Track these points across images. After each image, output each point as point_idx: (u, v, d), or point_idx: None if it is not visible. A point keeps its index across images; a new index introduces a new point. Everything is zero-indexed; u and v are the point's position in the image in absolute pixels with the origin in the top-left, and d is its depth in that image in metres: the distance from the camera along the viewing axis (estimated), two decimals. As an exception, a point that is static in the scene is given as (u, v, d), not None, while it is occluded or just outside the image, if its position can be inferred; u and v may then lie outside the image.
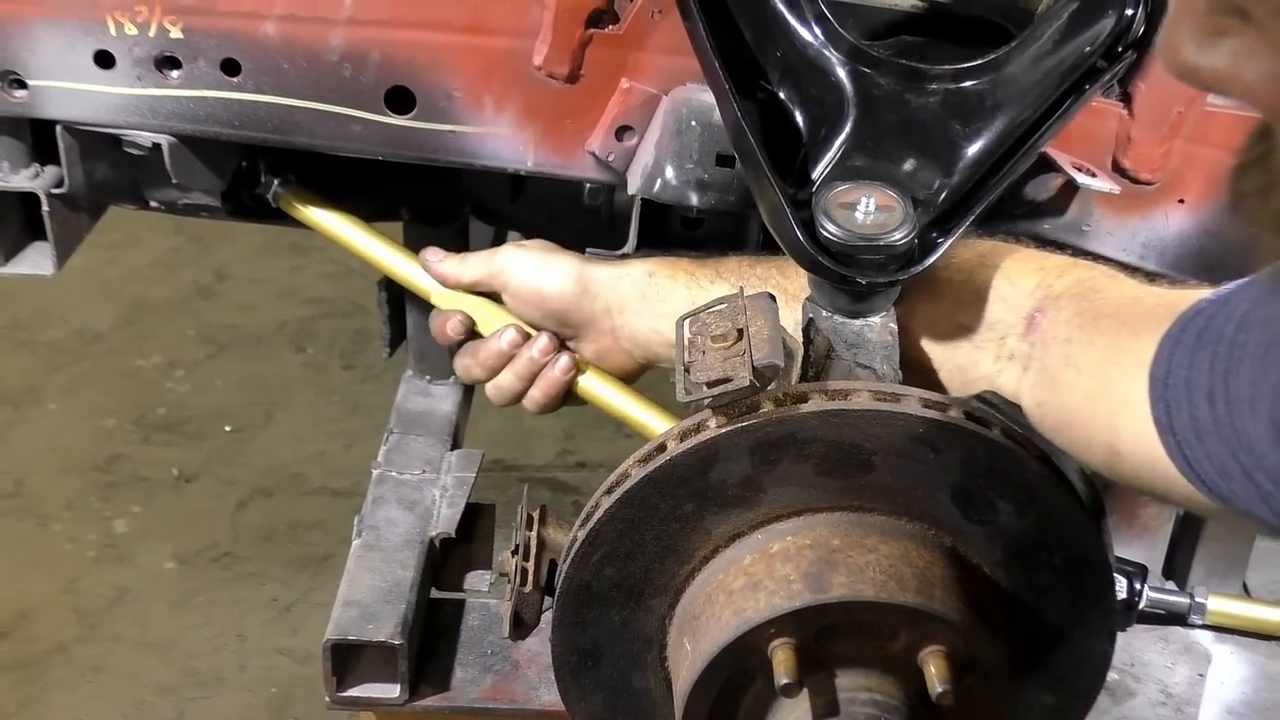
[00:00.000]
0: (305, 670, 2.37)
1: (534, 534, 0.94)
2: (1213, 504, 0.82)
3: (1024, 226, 1.17)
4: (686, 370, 0.87)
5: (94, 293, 3.40)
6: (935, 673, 0.83)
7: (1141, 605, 1.32)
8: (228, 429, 2.97)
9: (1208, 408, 0.80)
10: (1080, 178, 1.11)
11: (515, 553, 0.94)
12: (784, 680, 0.81)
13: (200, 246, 3.57)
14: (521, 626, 0.93)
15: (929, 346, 1.01)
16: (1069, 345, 0.93)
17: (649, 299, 1.12)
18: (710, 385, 0.85)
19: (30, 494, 2.77)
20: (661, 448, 0.87)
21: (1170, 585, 1.37)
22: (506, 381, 1.18)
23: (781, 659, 0.82)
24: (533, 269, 1.17)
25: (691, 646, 0.87)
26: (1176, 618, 1.33)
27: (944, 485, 0.88)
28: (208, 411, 3.02)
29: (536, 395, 1.18)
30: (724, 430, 0.85)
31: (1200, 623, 1.33)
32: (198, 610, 2.52)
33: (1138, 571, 1.32)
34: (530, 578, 0.92)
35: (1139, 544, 1.35)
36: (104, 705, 2.32)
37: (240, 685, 2.37)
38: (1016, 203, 1.17)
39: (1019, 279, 0.99)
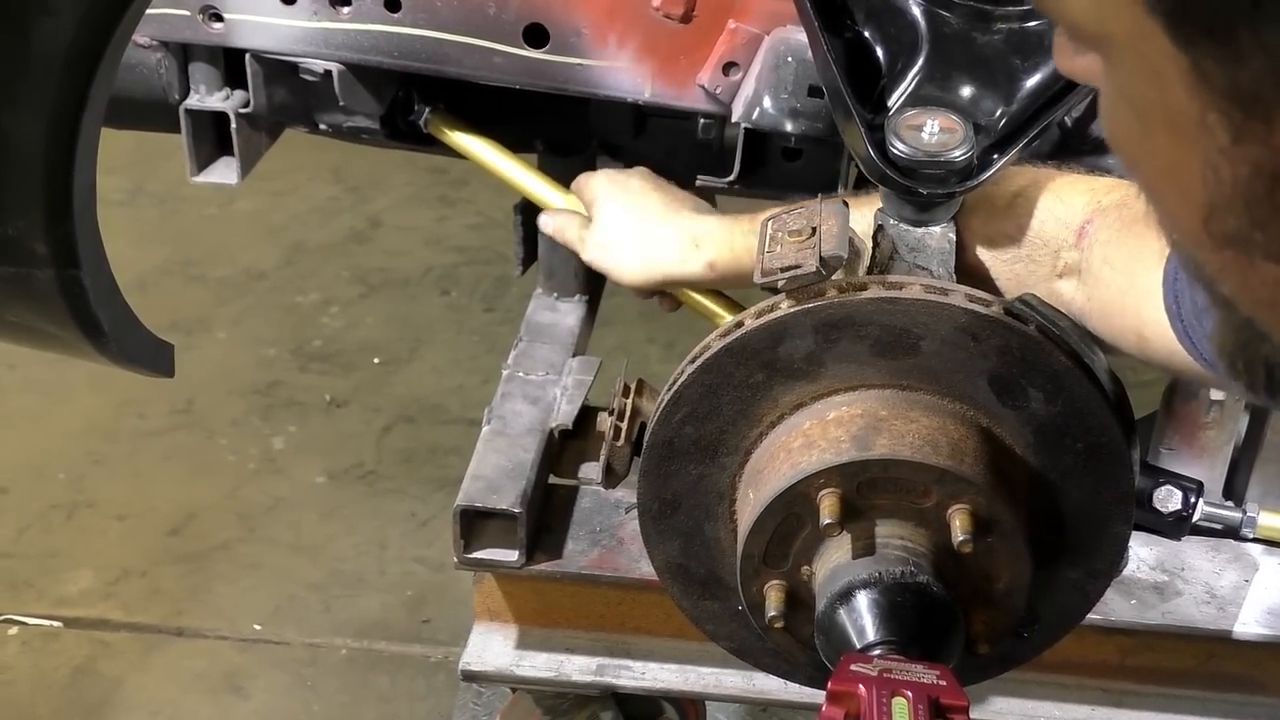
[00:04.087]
0: (438, 577, 2.57)
1: (629, 401, 1.10)
2: (1213, 375, 0.94)
3: (1090, 161, 1.28)
4: (764, 258, 1.02)
5: (259, 235, 3.66)
6: (959, 526, 0.96)
7: (1196, 518, 1.43)
8: (375, 361, 3.20)
9: None
10: (1140, 116, 1.22)
11: (612, 414, 1.10)
12: (827, 521, 0.95)
13: (356, 196, 3.82)
14: (612, 475, 1.09)
15: (991, 261, 1.13)
16: (1108, 246, 1.05)
17: (715, 283, 1.31)
18: (783, 270, 1.00)
19: (200, 412, 3.03)
20: (739, 324, 1.02)
21: (1227, 503, 1.47)
22: None
23: (827, 504, 0.96)
24: (612, 261, 1.36)
25: (754, 495, 1.02)
26: (1229, 531, 1.43)
27: (982, 371, 1.01)
28: (358, 345, 3.26)
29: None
30: (793, 310, 1.00)
31: (1251, 536, 1.42)
32: (344, 520, 2.75)
33: (1194, 487, 1.43)
34: (623, 434, 1.08)
35: (1199, 464, 1.44)
36: (261, 597, 2.57)
37: (380, 587, 2.59)
38: (1083, 140, 1.29)
39: (1070, 198, 1.11)
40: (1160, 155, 0.53)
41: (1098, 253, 1.06)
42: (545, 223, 1.44)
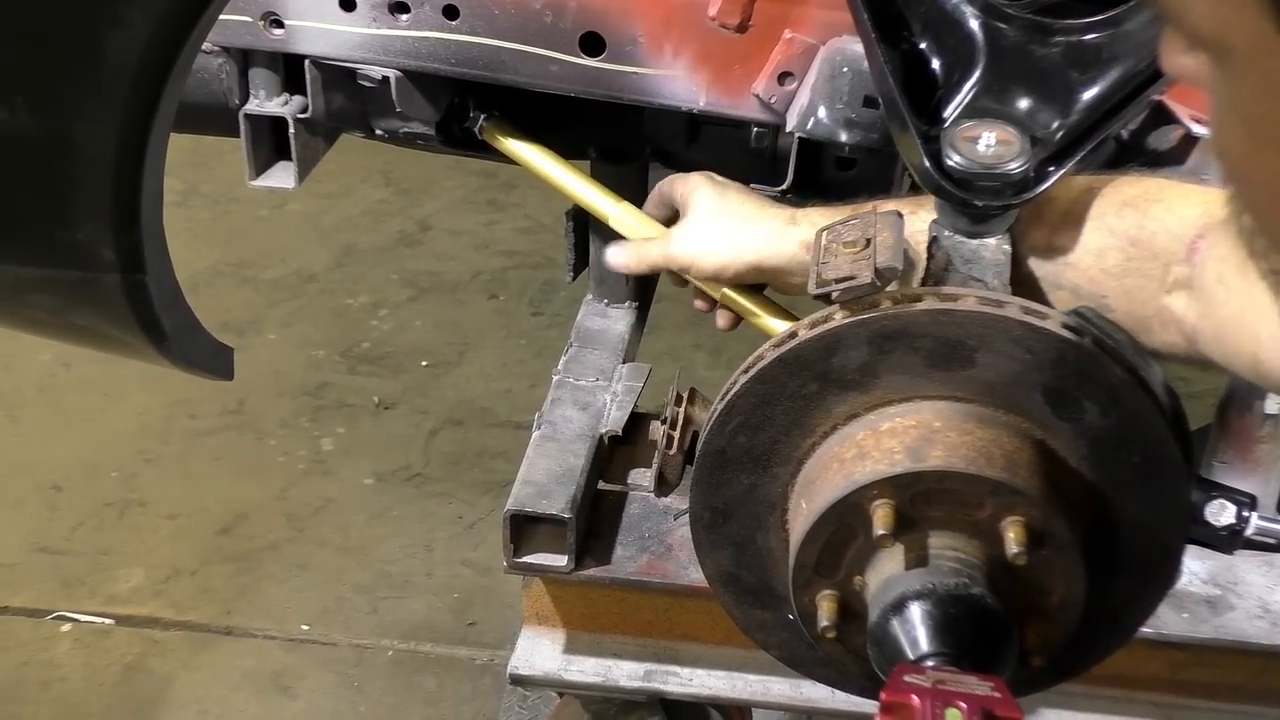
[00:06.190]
0: (485, 580, 2.59)
1: (682, 409, 1.11)
2: None
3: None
4: (819, 269, 1.02)
5: (310, 238, 3.70)
6: (1013, 538, 0.95)
7: (1248, 532, 1.41)
8: (424, 364, 3.23)
9: None
10: (1198, 129, 1.22)
11: (664, 422, 1.10)
12: (880, 531, 0.95)
13: (406, 199, 3.85)
14: (664, 484, 1.09)
15: (1100, 276, 1.10)
16: (1223, 264, 1.01)
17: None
18: (838, 281, 1.00)
19: (250, 413, 3.07)
20: (793, 335, 1.02)
21: (1280, 519, 1.45)
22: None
23: (880, 515, 0.96)
24: (701, 254, 1.32)
25: (807, 505, 1.02)
26: (1283, 547, 1.41)
27: (1037, 383, 1.00)
28: (407, 348, 3.29)
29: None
30: (847, 321, 1.00)
31: (1305, 553, 1.41)
32: (392, 522, 2.77)
33: (1246, 500, 1.41)
34: (675, 443, 1.08)
35: (1253, 478, 1.43)
36: (309, 598, 2.59)
37: (427, 589, 2.62)
38: (1140, 152, 1.28)
39: (1182, 210, 1.07)
40: (1270, 171, 0.52)
41: (1212, 269, 1.03)
42: (616, 257, 1.41)
